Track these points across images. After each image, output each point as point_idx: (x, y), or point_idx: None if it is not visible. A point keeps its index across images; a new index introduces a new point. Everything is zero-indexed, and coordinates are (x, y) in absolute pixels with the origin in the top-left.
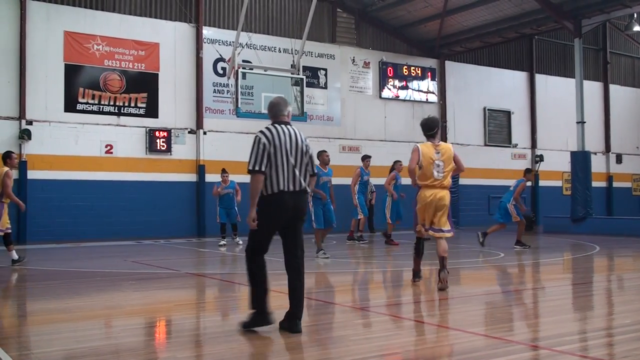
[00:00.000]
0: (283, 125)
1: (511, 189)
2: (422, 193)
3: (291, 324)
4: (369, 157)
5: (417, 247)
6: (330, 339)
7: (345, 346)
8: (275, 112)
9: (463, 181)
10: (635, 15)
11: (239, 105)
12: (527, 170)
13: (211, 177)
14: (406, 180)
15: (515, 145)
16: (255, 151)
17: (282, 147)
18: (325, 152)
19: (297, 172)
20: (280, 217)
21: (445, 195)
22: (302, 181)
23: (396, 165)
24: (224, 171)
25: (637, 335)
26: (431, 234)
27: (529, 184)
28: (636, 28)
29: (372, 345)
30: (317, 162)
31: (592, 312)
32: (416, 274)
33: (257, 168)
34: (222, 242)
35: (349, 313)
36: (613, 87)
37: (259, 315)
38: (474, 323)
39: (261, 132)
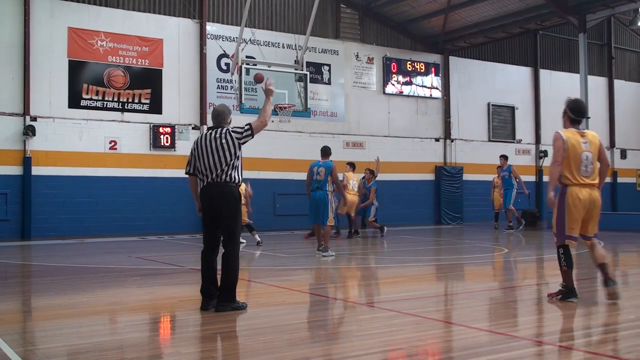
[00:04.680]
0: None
1: (506, 177)
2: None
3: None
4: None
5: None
6: (333, 334)
7: (349, 342)
8: (220, 119)
9: (467, 176)
10: None
11: (243, 101)
12: (505, 157)
13: None
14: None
15: (520, 141)
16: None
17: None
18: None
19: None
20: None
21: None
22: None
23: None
24: None
25: None
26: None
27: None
28: None
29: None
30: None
31: (596, 308)
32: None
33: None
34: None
35: (352, 309)
36: (618, 83)
37: None
38: (477, 319)
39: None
